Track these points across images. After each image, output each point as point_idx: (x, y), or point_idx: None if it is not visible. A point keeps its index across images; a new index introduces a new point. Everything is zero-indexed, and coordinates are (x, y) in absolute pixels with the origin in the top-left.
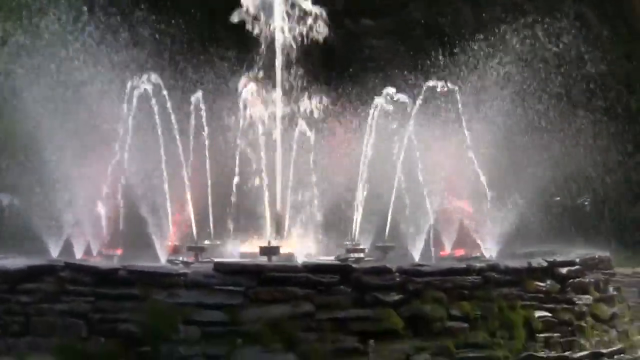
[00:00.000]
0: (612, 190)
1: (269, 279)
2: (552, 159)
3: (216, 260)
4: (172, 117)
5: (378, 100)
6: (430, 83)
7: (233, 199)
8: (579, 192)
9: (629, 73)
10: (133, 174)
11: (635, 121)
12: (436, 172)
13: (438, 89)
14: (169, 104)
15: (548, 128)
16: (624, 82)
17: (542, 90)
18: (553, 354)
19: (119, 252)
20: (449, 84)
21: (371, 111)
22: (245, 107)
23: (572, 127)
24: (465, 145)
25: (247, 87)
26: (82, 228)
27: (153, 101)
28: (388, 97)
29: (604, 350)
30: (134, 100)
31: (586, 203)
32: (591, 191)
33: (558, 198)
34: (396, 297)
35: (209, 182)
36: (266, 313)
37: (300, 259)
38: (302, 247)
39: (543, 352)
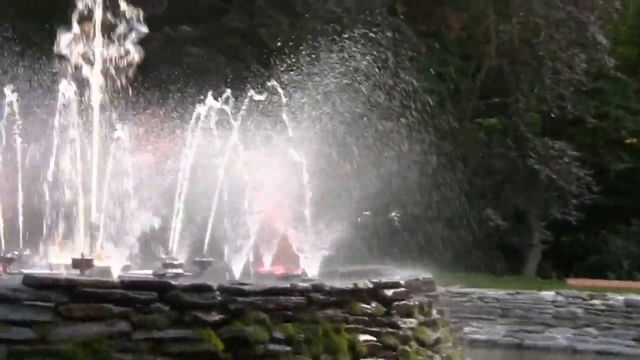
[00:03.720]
0: (420, 208)
1: (82, 295)
2: (362, 174)
3: (25, 272)
4: None
5: (200, 109)
6: (252, 94)
7: (46, 206)
8: (388, 208)
9: (441, 91)
10: None
11: (444, 140)
12: (258, 186)
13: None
14: None
15: (361, 143)
16: (436, 100)
17: (355, 105)
18: None
19: None
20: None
21: (192, 121)
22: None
23: (383, 143)
24: (288, 159)
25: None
26: None
27: None
28: (209, 106)
29: None
30: None
31: (395, 218)
32: (400, 207)
33: (367, 213)
34: (217, 317)
35: (20, 187)
36: (78, 331)
37: (116, 273)
38: (118, 260)
39: None
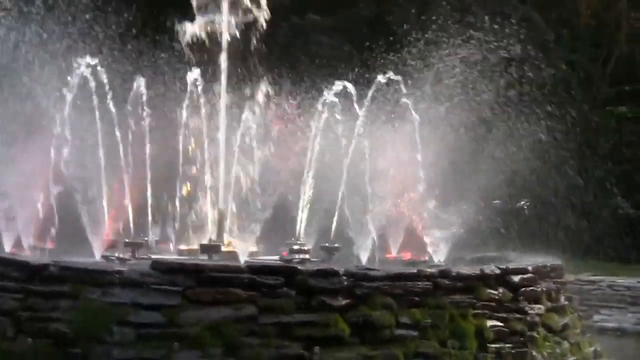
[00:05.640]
0: (549, 196)
1: (209, 279)
2: (493, 163)
3: (154, 257)
4: (111, 104)
5: (326, 97)
6: (381, 79)
7: (175, 193)
8: (518, 196)
9: (570, 80)
10: (69, 163)
11: (573, 129)
12: (384, 173)
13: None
14: (109, 92)
15: (490, 131)
16: (565, 88)
17: (485, 93)
18: None
19: (50, 245)
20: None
21: (319, 107)
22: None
23: (513, 131)
24: (413, 148)
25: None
26: (12, 219)
27: (92, 86)
28: (336, 94)
29: None
30: (72, 85)
31: (525, 207)
32: (529, 196)
33: (497, 201)
34: (343, 302)
35: (149, 176)
36: (206, 315)
37: (243, 258)
38: (245, 245)
39: None
